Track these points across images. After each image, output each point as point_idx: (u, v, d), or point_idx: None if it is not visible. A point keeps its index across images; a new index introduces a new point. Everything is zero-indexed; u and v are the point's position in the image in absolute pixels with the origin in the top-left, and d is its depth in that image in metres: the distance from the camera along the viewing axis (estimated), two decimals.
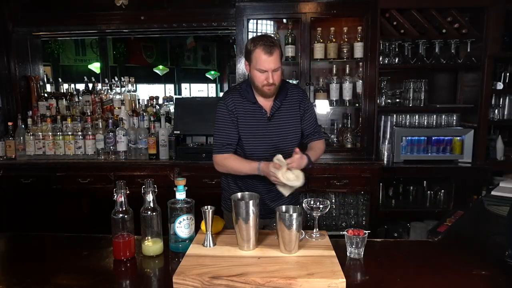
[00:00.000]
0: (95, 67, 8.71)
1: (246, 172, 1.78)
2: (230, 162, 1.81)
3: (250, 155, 1.84)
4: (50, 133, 3.20)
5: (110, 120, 3.26)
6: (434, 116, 3.29)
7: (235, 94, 1.86)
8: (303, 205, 1.52)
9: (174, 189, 1.45)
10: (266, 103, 1.84)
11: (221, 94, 11.83)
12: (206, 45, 11.77)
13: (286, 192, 1.69)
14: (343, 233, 1.41)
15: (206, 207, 1.39)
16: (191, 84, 11.94)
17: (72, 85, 3.94)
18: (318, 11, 3.01)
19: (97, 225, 2.06)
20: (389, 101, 3.35)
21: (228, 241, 1.45)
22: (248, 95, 1.84)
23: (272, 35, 1.70)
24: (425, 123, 3.29)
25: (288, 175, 1.62)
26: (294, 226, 1.31)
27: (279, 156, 1.66)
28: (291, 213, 1.36)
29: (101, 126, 3.28)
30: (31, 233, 1.69)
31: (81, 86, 4.12)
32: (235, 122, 1.82)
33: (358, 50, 3.09)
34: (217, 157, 1.85)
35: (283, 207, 1.41)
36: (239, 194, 1.46)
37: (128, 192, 1.40)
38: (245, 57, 1.80)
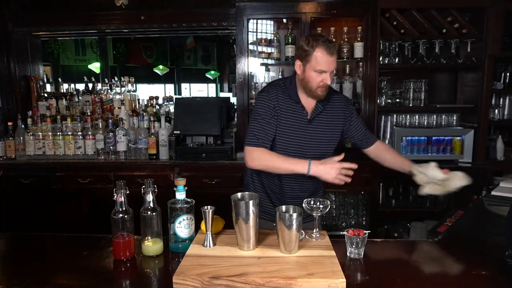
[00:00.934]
0: (95, 67, 8.71)
1: (289, 170, 1.64)
2: (270, 157, 1.66)
3: None
4: (50, 133, 3.20)
5: (110, 120, 3.26)
6: (434, 116, 3.28)
7: (279, 90, 1.77)
8: (303, 205, 1.52)
9: (174, 189, 1.45)
10: (308, 105, 1.77)
11: (221, 94, 11.88)
12: (206, 45, 11.78)
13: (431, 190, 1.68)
14: (343, 233, 1.41)
15: (206, 207, 1.38)
16: (191, 84, 11.94)
17: (72, 85, 3.94)
18: (318, 11, 3.01)
19: (97, 225, 2.05)
20: (389, 101, 3.35)
21: (228, 241, 1.45)
22: (292, 93, 1.76)
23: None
24: (425, 123, 3.29)
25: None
26: (294, 226, 1.31)
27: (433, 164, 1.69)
28: (291, 213, 1.36)
29: (101, 126, 3.28)
30: (31, 233, 1.68)
31: (81, 86, 4.12)
32: (275, 119, 1.73)
33: (358, 50, 3.09)
34: (254, 151, 1.68)
35: (283, 207, 1.41)
36: (239, 194, 1.45)
37: (128, 192, 1.40)
38: (299, 58, 1.70)
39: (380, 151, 1.90)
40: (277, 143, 1.76)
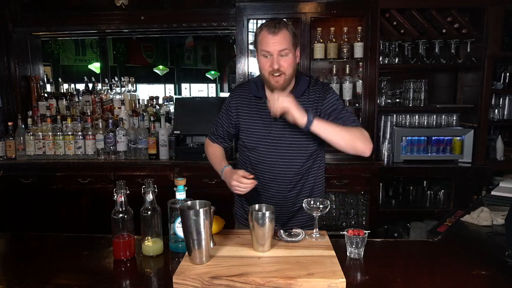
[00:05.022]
0: (95, 67, 8.72)
1: (214, 167, 1.75)
2: (210, 150, 1.82)
3: (253, 158, 1.71)
4: (50, 133, 3.20)
5: (110, 120, 3.26)
6: (434, 116, 3.29)
7: (244, 88, 1.73)
8: (303, 205, 1.52)
9: (174, 189, 1.45)
10: None
11: (221, 94, 11.90)
12: (206, 45, 11.78)
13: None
14: (343, 233, 1.41)
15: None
16: (191, 84, 11.94)
17: (72, 85, 3.94)
18: (318, 11, 3.01)
19: (97, 225, 2.06)
20: (389, 101, 3.35)
21: (228, 241, 1.45)
22: (256, 89, 1.67)
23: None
24: (425, 123, 3.29)
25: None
26: (267, 224, 1.32)
27: None
28: (263, 211, 1.36)
29: (101, 126, 3.28)
30: (31, 233, 1.68)
31: (81, 86, 4.13)
32: (230, 119, 1.74)
33: (358, 50, 3.09)
34: (208, 146, 1.86)
35: (256, 206, 1.40)
36: (189, 203, 1.35)
37: (128, 192, 1.40)
38: (254, 45, 1.63)
39: None
40: (246, 142, 1.71)
